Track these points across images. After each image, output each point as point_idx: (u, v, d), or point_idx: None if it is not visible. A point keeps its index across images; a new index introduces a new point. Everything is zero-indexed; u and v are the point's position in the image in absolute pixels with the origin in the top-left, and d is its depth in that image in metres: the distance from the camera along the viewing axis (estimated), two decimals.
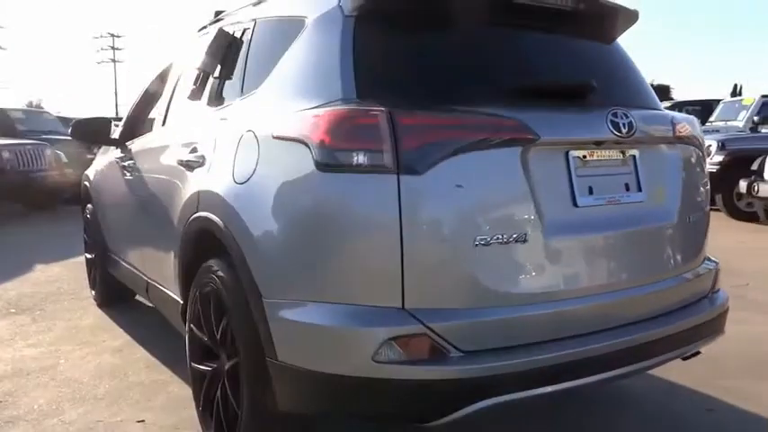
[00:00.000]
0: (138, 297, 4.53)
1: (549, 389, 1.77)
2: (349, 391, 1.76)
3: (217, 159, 2.30)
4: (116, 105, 50.88)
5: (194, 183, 2.42)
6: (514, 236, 1.78)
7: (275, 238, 1.91)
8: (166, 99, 3.27)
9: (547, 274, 1.86)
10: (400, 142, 1.71)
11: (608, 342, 1.87)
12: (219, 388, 2.25)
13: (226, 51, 2.63)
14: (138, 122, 3.87)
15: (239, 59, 2.54)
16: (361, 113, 1.76)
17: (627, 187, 2.06)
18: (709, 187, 2.41)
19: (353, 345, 1.73)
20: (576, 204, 1.92)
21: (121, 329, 3.96)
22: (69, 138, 11.48)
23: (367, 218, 1.74)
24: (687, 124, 2.30)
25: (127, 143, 3.72)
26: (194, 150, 2.50)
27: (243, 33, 2.60)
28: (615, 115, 1.99)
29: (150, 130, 3.44)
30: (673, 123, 2.22)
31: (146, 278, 3.27)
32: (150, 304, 4.38)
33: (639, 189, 2.08)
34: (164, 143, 3.04)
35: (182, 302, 2.63)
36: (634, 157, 2.09)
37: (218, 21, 3.12)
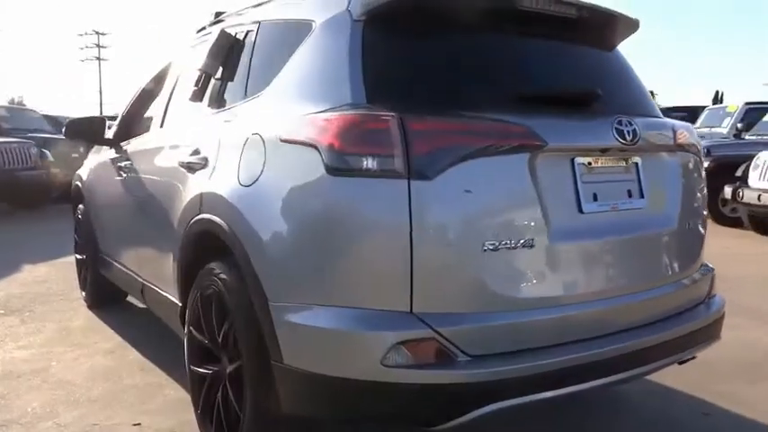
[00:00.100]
0: (129, 299, 4.50)
1: (554, 393, 1.79)
2: (356, 395, 1.77)
3: (221, 161, 2.29)
4: (100, 104, 50.47)
5: (196, 185, 2.40)
6: (522, 241, 1.80)
7: (283, 242, 1.91)
8: (164, 100, 3.25)
9: (553, 279, 1.88)
10: (411, 147, 1.71)
11: (612, 346, 1.90)
12: (220, 391, 2.24)
13: (228, 53, 2.62)
14: (133, 123, 3.84)
15: (242, 61, 2.53)
16: (373, 118, 1.76)
17: (629, 194, 2.09)
18: (706, 193, 2.45)
19: (362, 348, 1.73)
20: (581, 211, 1.94)
21: (113, 331, 3.92)
22: (55, 136, 11.39)
23: (377, 222, 1.74)
24: (686, 132, 2.34)
25: (122, 143, 3.69)
26: (196, 152, 2.49)
27: (246, 35, 2.59)
28: (620, 123, 2.02)
29: (147, 130, 3.41)
30: (673, 131, 2.26)
31: (141, 280, 3.25)
32: (142, 306, 4.36)
33: (642, 196, 2.11)
34: (162, 144, 3.02)
35: (180, 305, 2.62)
36: (636, 164, 2.12)
37: (218, 22, 3.10)
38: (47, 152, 9.79)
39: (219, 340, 2.24)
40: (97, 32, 52.33)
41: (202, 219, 2.30)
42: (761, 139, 9.47)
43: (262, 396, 1.98)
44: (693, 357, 2.30)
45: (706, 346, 2.25)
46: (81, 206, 4.46)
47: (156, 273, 3.02)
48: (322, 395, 1.84)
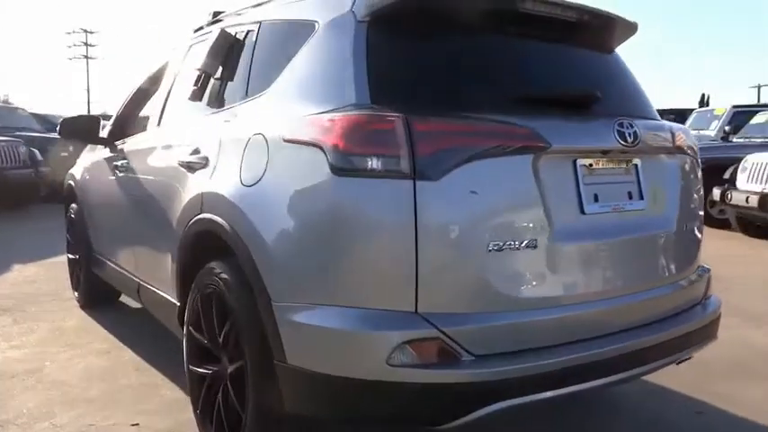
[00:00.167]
0: (122, 299, 4.48)
1: (557, 392, 1.80)
2: (361, 394, 1.77)
3: (222, 161, 2.29)
4: (88, 103, 50.06)
5: (197, 184, 2.40)
6: (526, 242, 1.82)
7: (287, 241, 1.91)
8: (161, 99, 3.23)
9: (556, 279, 1.90)
10: (416, 148, 1.72)
11: (613, 346, 1.92)
12: (221, 391, 2.24)
13: (228, 53, 2.61)
14: (128, 122, 3.83)
15: (243, 61, 2.53)
16: (378, 119, 1.77)
17: (630, 195, 2.11)
18: (703, 194, 2.48)
19: (367, 348, 1.74)
20: (583, 212, 1.96)
21: (106, 331, 3.90)
22: (43, 135, 11.29)
23: (382, 222, 1.75)
24: (684, 134, 2.36)
25: (117, 142, 3.68)
26: (196, 152, 2.48)
27: (246, 35, 2.59)
28: (621, 125, 2.04)
29: (144, 129, 3.39)
30: (672, 133, 2.28)
31: (137, 279, 3.23)
32: (136, 306, 4.35)
33: (641, 197, 2.13)
34: (160, 143, 3.01)
35: (179, 305, 2.61)
36: (636, 165, 2.14)
37: (216, 22, 3.10)
38: (35, 151, 9.71)
39: (220, 340, 2.23)
40: (85, 31, 51.94)
41: (203, 218, 2.30)
42: (748, 142, 9.59)
43: (264, 396, 1.98)
44: (690, 357, 2.33)
45: (703, 346, 2.28)
46: (74, 205, 4.43)
47: (152, 272, 3.00)
48: (326, 395, 1.85)
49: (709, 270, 2.47)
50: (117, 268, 3.58)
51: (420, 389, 1.72)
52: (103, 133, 3.88)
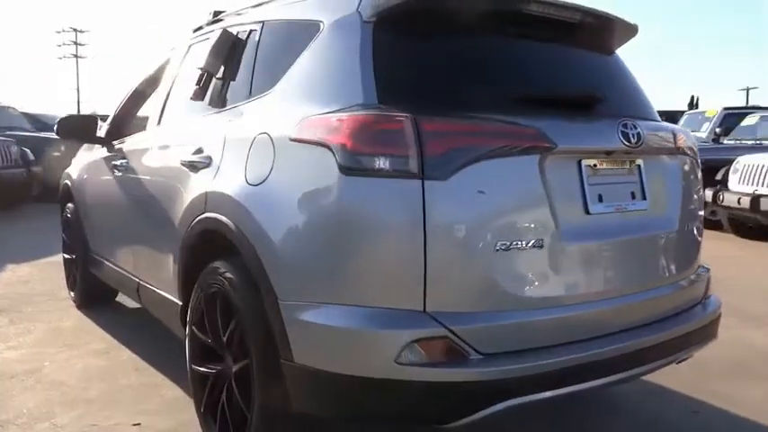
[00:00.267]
0: (119, 299, 4.46)
1: (564, 390, 1.82)
2: (369, 393, 1.78)
3: (226, 161, 2.29)
4: (78, 102, 49.73)
5: (200, 184, 2.40)
6: (533, 241, 1.83)
7: (294, 241, 1.91)
8: (161, 98, 3.22)
9: (562, 278, 1.91)
10: (424, 148, 1.74)
11: (617, 345, 1.94)
12: (225, 390, 2.24)
13: (230, 52, 2.61)
14: (126, 121, 3.82)
15: (246, 61, 2.53)
16: (387, 119, 1.78)
17: (632, 196, 2.13)
18: (702, 195, 2.50)
19: (376, 347, 1.75)
20: (588, 212, 1.97)
21: (104, 331, 3.89)
22: (35, 134, 11.19)
23: (391, 221, 1.76)
24: (684, 135, 2.39)
25: (115, 142, 3.66)
26: (199, 151, 2.48)
27: (249, 35, 2.59)
28: (625, 126, 2.06)
29: (143, 129, 3.38)
30: (674, 134, 2.31)
31: (136, 279, 3.22)
32: (133, 306, 4.34)
33: (644, 197, 2.15)
34: (161, 143, 3.00)
35: (180, 304, 2.60)
36: (639, 166, 2.16)
37: (216, 21, 3.09)
38: (27, 150, 9.63)
39: (224, 339, 2.24)
40: (75, 30, 51.59)
41: (207, 218, 2.30)
42: (739, 144, 9.68)
43: (270, 395, 1.98)
44: (690, 356, 2.35)
45: (704, 345, 2.30)
46: (70, 205, 4.40)
47: (153, 272, 3.00)
48: (333, 393, 1.85)
49: (708, 270, 2.50)
50: (115, 268, 3.57)
51: (428, 387, 1.73)
52: (101, 133, 3.87)
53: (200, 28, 3.26)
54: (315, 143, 1.88)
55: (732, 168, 7.82)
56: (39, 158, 9.86)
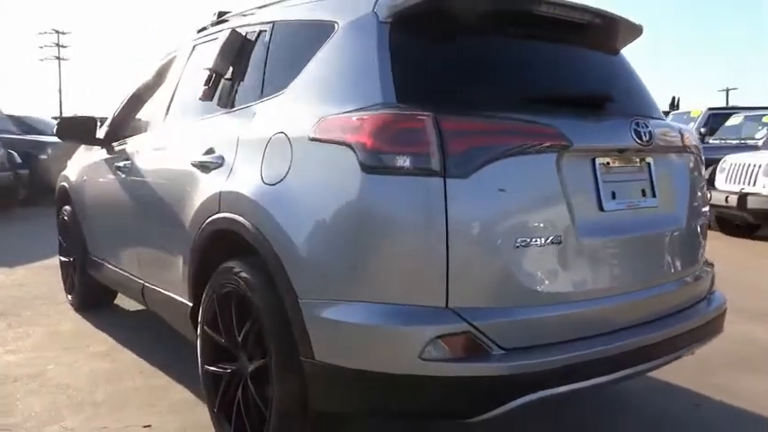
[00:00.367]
0: (117, 301, 4.43)
1: (585, 384, 1.85)
2: (393, 389, 1.80)
3: (240, 161, 2.30)
4: (60, 104, 49.15)
5: (213, 184, 2.40)
6: (551, 238, 1.86)
7: (315, 239, 1.92)
8: (165, 99, 3.21)
9: (580, 274, 1.95)
10: (446, 146, 1.76)
11: (634, 339, 1.97)
12: (240, 390, 2.25)
13: (240, 53, 2.62)
14: (127, 123, 3.80)
15: (256, 61, 2.54)
16: (408, 118, 1.80)
17: (643, 193, 2.17)
18: (706, 192, 2.56)
19: (400, 343, 1.77)
20: (602, 208, 2.01)
21: (104, 334, 3.86)
22: (22, 137, 11.05)
23: (414, 219, 1.78)
24: (690, 134, 2.44)
25: (115, 143, 3.65)
26: (210, 151, 2.48)
27: (258, 35, 2.59)
28: (638, 124, 2.11)
29: (145, 130, 3.38)
30: (681, 133, 2.36)
31: (141, 281, 3.21)
32: (132, 308, 4.32)
33: (654, 195, 2.19)
34: (167, 144, 3.00)
35: (191, 305, 2.60)
36: (649, 164, 2.20)
37: (221, 22, 3.10)
38: (14, 153, 9.53)
39: (239, 339, 2.24)
40: (57, 31, 51.03)
41: (222, 218, 2.30)
42: (724, 144, 9.84)
43: (290, 393, 1.99)
44: (694, 351, 2.40)
45: (711, 339, 2.35)
46: (67, 208, 4.37)
47: (160, 273, 2.99)
48: (356, 390, 1.87)
49: (712, 265, 2.55)
50: (118, 270, 3.55)
51: (451, 382, 1.75)
52: (100, 134, 3.85)
53: (203, 28, 3.26)
54: (335, 142, 1.90)
55: (719, 167, 7.94)
56: (25, 161, 9.76)
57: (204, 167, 2.50)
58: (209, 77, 2.68)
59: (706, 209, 2.51)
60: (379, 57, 1.96)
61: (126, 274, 3.43)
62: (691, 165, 2.41)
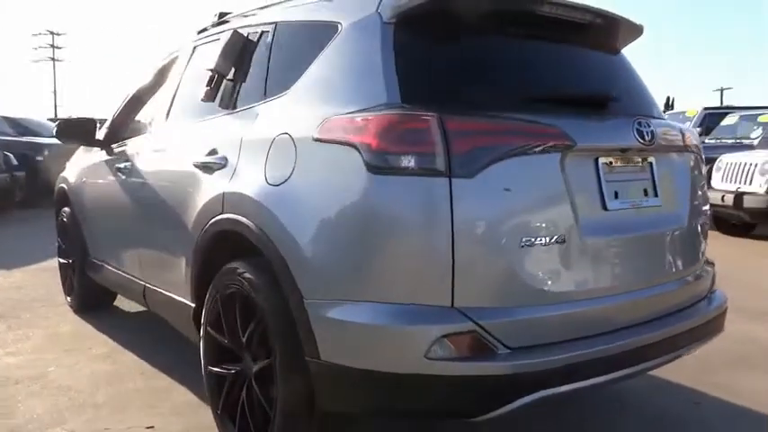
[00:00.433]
0: (116, 303, 4.43)
1: (589, 382, 1.86)
2: (399, 388, 1.80)
3: (243, 161, 2.30)
4: (55, 106, 49.00)
5: (216, 185, 2.40)
6: (555, 237, 1.87)
7: (321, 239, 1.93)
8: (166, 100, 3.21)
9: (583, 273, 1.96)
10: (451, 146, 1.77)
11: (637, 337, 1.98)
12: (244, 390, 2.25)
13: (242, 53, 2.62)
14: (127, 124, 3.80)
15: (259, 62, 2.54)
16: (413, 118, 1.81)
17: (645, 192, 2.18)
18: (707, 191, 2.57)
19: (406, 342, 1.77)
20: (605, 208, 2.02)
21: (105, 336, 3.85)
22: (17, 139, 11.00)
23: (419, 219, 1.79)
24: (690, 133, 2.46)
25: (116, 145, 3.65)
26: (213, 152, 2.49)
27: (260, 36, 2.60)
28: (640, 124, 2.12)
29: (146, 131, 3.38)
30: (682, 132, 2.37)
31: (142, 283, 3.20)
32: (132, 309, 4.32)
33: (656, 194, 2.21)
34: (169, 145, 3.00)
35: (194, 306, 2.60)
36: (651, 163, 2.22)
37: (222, 23, 3.10)
38: (10, 155, 9.50)
39: (243, 339, 2.24)
40: (52, 32, 50.84)
41: (225, 219, 2.30)
42: (720, 143, 9.88)
43: (295, 393, 2.00)
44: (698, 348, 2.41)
45: (713, 337, 2.36)
46: (66, 209, 4.36)
47: (162, 274, 2.99)
48: (362, 389, 1.87)
49: (713, 264, 2.57)
50: (119, 272, 3.54)
51: (457, 381, 1.75)
52: (99, 135, 3.85)
53: (204, 30, 3.26)
54: (340, 143, 1.90)
55: (715, 167, 7.97)
56: (22, 163, 9.74)
57: (207, 168, 2.50)
58: (211, 78, 2.68)
59: (707, 208, 2.52)
60: (383, 57, 1.96)
61: (127, 275, 3.42)
62: (692, 164, 2.42)
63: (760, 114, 10.25)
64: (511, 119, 1.89)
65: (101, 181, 3.72)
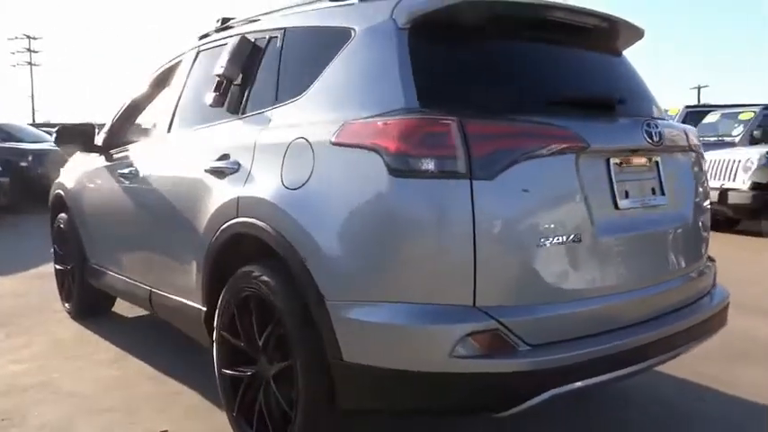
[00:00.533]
0: (115, 308, 4.41)
1: (607, 377, 1.92)
2: (424, 387, 1.84)
3: (258, 166, 2.32)
4: (32, 111, 48.34)
5: (229, 189, 2.42)
6: (572, 236, 1.93)
7: (342, 241, 1.96)
8: (170, 106, 3.21)
9: (598, 271, 2.01)
10: (471, 149, 1.81)
11: (649, 333, 2.05)
12: (262, 392, 2.27)
13: (251, 59, 2.64)
14: (126, 130, 3.79)
15: (268, 67, 2.56)
16: (434, 122, 1.85)
17: (653, 191, 2.25)
18: (708, 188, 2.65)
19: (431, 342, 1.81)
20: (617, 207, 2.08)
21: (106, 341, 3.85)
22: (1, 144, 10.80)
23: (441, 221, 1.83)
24: (693, 133, 2.53)
25: (116, 150, 3.64)
26: (225, 157, 2.50)
27: (269, 42, 2.62)
28: (649, 125, 2.19)
29: (148, 137, 3.38)
30: (686, 133, 2.44)
31: (148, 288, 3.20)
32: (131, 315, 4.31)
33: (663, 193, 2.27)
34: (175, 151, 3.01)
35: (205, 310, 2.62)
36: (657, 163, 2.28)
37: (226, 28, 3.11)
38: None
39: (260, 342, 2.27)
40: (28, 36, 50.11)
41: (240, 222, 2.32)
42: (702, 141, 10.03)
43: (317, 393, 2.03)
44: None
45: (717, 332, 2.43)
46: (63, 215, 4.33)
47: (170, 279, 2.99)
48: (386, 389, 1.91)
49: (714, 260, 2.64)
50: (122, 277, 3.53)
51: (480, 379, 1.80)
52: (98, 141, 3.84)
53: (206, 35, 3.27)
54: (360, 147, 1.93)
55: None
56: (6, 169, 9.62)
57: (219, 173, 2.51)
58: (219, 83, 2.70)
59: (708, 204, 2.59)
60: (400, 62, 2.00)
61: (131, 281, 3.42)
62: (694, 163, 2.50)
63: (740, 112, 10.45)
64: (527, 122, 1.94)
65: (102, 187, 3.71)
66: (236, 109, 2.64)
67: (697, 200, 2.44)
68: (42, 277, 5.39)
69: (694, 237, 2.41)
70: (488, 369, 1.79)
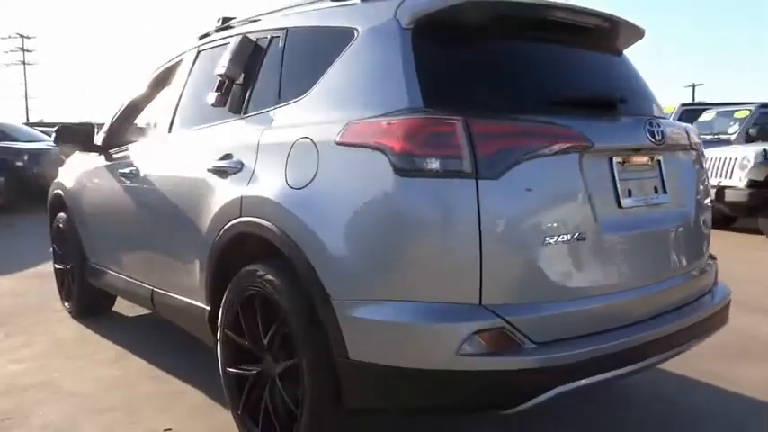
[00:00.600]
0: (115, 307, 4.40)
1: (612, 374, 1.93)
2: (430, 384, 1.85)
3: (261, 165, 2.33)
4: (26, 110, 48.16)
5: (232, 189, 2.42)
6: (576, 234, 1.94)
7: (348, 240, 1.97)
8: (170, 105, 3.21)
9: (602, 268, 2.03)
10: (476, 149, 1.82)
11: (653, 330, 2.06)
12: (267, 391, 2.28)
13: (253, 59, 2.65)
14: (126, 130, 3.79)
15: (271, 67, 2.56)
16: (439, 122, 1.86)
17: (655, 190, 2.26)
18: (709, 186, 2.66)
19: (438, 340, 1.82)
20: (620, 205, 2.09)
21: (107, 340, 3.84)
22: None
23: (447, 220, 1.84)
24: (694, 132, 2.55)
25: (115, 150, 3.64)
26: (227, 157, 2.51)
27: (271, 42, 2.62)
28: (651, 124, 2.20)
29: (150, 136, 3.38)
30: (686, 131, 2.46)
31: (150, 287, 3.20)
32: (131, 314, 4.31)
33: (665, 191, 2.28)
34: (176, 150, 3.01)
35: (209, 309, 2.62)
36: (659, 161, 2.29)
37: (226, 28, 3.11)
38: None
39: (265, 341, 2.27)
40: (22, 36, 49.87)
41: (243, 222, 2.32)
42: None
43: (323, 391, 2.04)
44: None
45: (719, 329, 2.45)
46: (62, 215, 4.32)
47: (172, 278, 2.99)
48: (391, 387, 1.92)
49: (715, 258, 2.66)
50: (123, 277, 3.53)
51: (487, 376, 1.81)
52: (97, 140, 3.83)
53: (206, 35, 3.27)
54: (365, 146, 1.94)
55: None
56: (1, 168, 9.59)
57: (222, 173, 2.52)
58: (221, 83, 2.70)
59: (709, 202, 2.61)
60: (403, 62, 2.01)
61: (132, 280, 3.42)
62: (694, 161, 2.51)
63: (736, 110, 10.50)
64: (531, 121, 1.95)
65: (103, 186, 3.70)
66: (239, 109, 2.65)
67: (698, 198, 2.46)
68: (41, 277, 5.38)
69: (696, 235, 2.43)
70: (495, 367, 1.80)
